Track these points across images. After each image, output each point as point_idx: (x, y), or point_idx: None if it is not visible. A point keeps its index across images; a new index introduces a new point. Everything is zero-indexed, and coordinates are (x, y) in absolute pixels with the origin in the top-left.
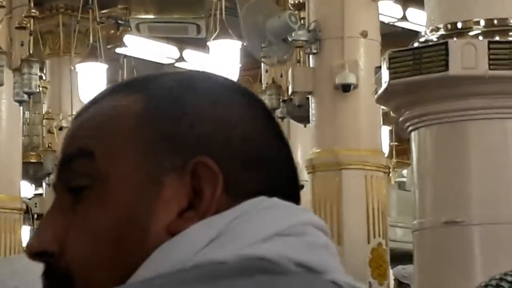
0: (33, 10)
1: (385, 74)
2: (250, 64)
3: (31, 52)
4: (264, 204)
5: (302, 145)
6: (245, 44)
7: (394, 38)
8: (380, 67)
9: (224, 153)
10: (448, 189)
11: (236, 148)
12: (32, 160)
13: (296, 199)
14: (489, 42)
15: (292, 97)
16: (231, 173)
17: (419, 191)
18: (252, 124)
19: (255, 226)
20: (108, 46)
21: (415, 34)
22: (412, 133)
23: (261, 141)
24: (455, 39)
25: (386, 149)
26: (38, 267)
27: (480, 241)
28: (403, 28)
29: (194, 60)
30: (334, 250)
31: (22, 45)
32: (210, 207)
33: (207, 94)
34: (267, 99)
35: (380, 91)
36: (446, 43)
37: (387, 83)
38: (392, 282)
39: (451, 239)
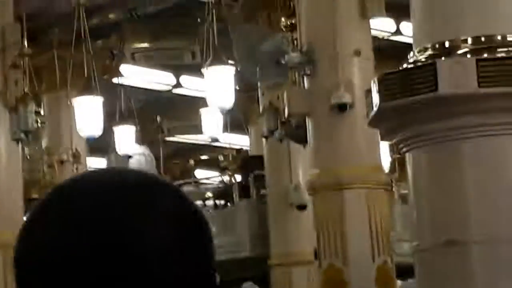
0: (26, 49)
1: (375, 97)
2: (248, 86)
3: (25, 90)
4: None
5: (303, 166)
6: (239, 68)
7: (392, 51)
8: (370, 90)
9: None
10: (446, 209)
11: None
12: (34, 196)
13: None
14: (478, 60)
15: (289, 118)
16: None
17: (417, 212)
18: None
19: None
20: (104, 77)
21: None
22: (406, 155)
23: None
24: (443, 58)
25: (387, 164)
26: None
27: (480, 260)
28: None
29: (191, 86)
30: None
31: (16, 84)
32: None
33: None
34: (265, 122)
35: (371, 114)
36: (434, 63)
37: (377, 106)
38: None
39: (450, 259)
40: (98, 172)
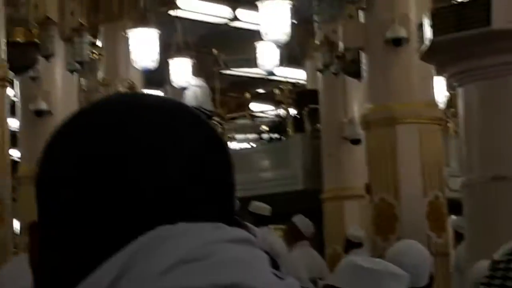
0: None
1: (428, 31)
2: (304, 19)
3: (81, 21)
4: (165, 233)
5: (358, 101)
6: (295, 2)
7: None
8: (422, 24)
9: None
10: (495, 145)
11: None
12: None
13: (225, 211)
14: None
15: (345, 53)
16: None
17: (467, 147)
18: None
19: (153, 259)
20: (161, 9)
21: None
22: (458, 89)
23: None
24: None
25: (443, 99)
26: None
27: None
28: None
29: (247, 19)
30: (254, 258)
31: (72, 14)
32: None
33: None
34: (321, 56)
35: (423, 48)
36: None
37: (430, 40)
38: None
39: (498, 193)
40: (132, 94)
